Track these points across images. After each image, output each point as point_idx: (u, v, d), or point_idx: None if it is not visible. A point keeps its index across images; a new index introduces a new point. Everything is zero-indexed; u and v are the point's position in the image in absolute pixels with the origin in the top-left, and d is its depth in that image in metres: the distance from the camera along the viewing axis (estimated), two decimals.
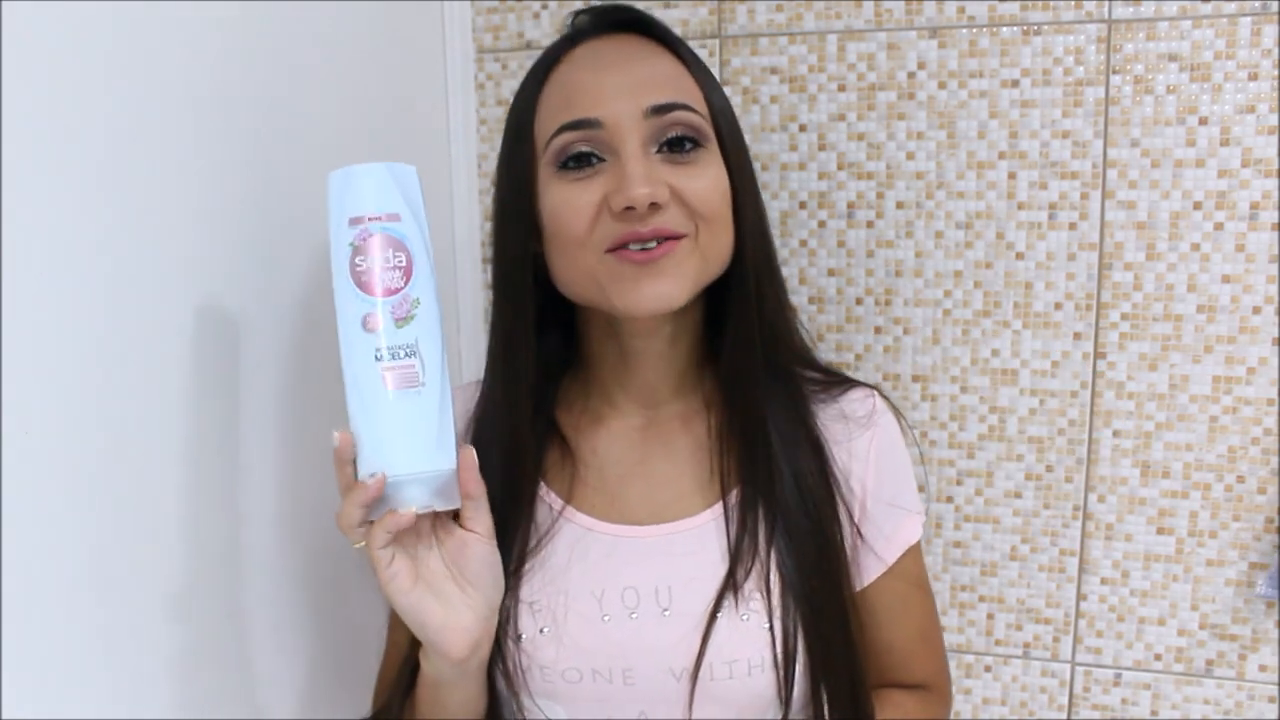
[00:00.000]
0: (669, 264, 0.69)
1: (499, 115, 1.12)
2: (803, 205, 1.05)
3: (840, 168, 1.04)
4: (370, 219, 0.60)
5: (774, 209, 1.06)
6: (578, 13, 0.77)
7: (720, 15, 1.04)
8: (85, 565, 0.64)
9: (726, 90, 1.04)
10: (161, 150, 0.69)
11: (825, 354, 1.07)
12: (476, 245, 1.14)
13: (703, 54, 1.04)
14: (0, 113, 0.56)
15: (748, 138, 1.05)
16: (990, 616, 1.08)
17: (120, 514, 0.67)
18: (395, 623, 0.85)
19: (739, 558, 0.72)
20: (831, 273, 1.06)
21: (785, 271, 1.06)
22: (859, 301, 1.06)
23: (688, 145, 0.70)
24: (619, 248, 0.69)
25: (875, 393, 0.80)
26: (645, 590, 0.73)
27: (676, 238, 0.69)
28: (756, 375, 0.74)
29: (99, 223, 0.64)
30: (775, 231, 1.06)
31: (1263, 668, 1.02)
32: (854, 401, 0.79)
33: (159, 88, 0.69)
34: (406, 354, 0.61)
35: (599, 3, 0.78)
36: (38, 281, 0.59)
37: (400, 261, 0.61)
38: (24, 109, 0.58)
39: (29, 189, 0.58)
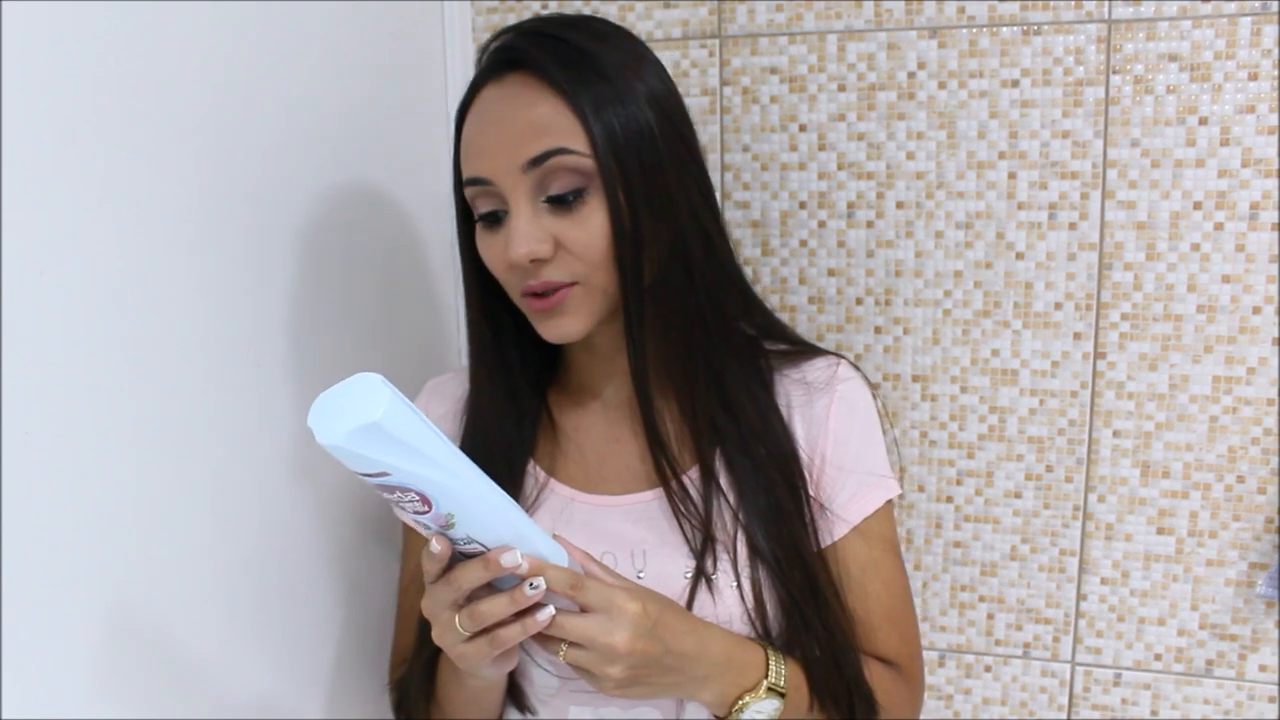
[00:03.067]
0: (567, 306, 0.74)
1: None
2: (803, 205, 1.05)
3: (840, 168, 1.04)
4: (362, 475, 0.57)
5: (774, 209, 1.06)
6: (488, 41, 0.77)
7: (720, 15, 1.04)
8: (85, 565, 0.64)
9: (726, 90, 1.05)
10: (161, 152, 0.69)
11: None
12: None
13: (702, 54, 1.04)
14: (0, 113, 0.56)
15: (747, 138, 1.06)
16: (990, 616, 1.08)
17: (120, 514, 0.67)
18: (405, 597, 0.89)
19: (705, 527, 0.76)
20: (831, 273, 1.06)
21: (784, 271, 1.07)
22: (859, 301, 1.06)
23: (570, 197, 0.72)
24: (529, 293, 0.75)
25: (841, 361, 0.83)
26: (622, 555, 0.78)
27: (566, 286, 0.73)
28: (680, 370, 0.77)
29: (99, 222, 0.64)
30: (775, 231, 1.06)
31: (1263, 668, 1.02)
32: (816, 368, 0.82)
33: (158, 88, 0.69)
34: (465, 542, 0.63)
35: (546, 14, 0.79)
36: (38, 281, 0.60)
37: (412, 497, 0.59)
38: (24, 109, 0.58)
39: (29, 189, 0.58)
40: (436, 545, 0.62)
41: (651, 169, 0.73)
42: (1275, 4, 0.91)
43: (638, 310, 0.74)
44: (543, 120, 0.71)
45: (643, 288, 0.74)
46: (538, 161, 0.71)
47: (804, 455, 0.80)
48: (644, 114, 0.73)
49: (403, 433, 0.55)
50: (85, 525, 0.64)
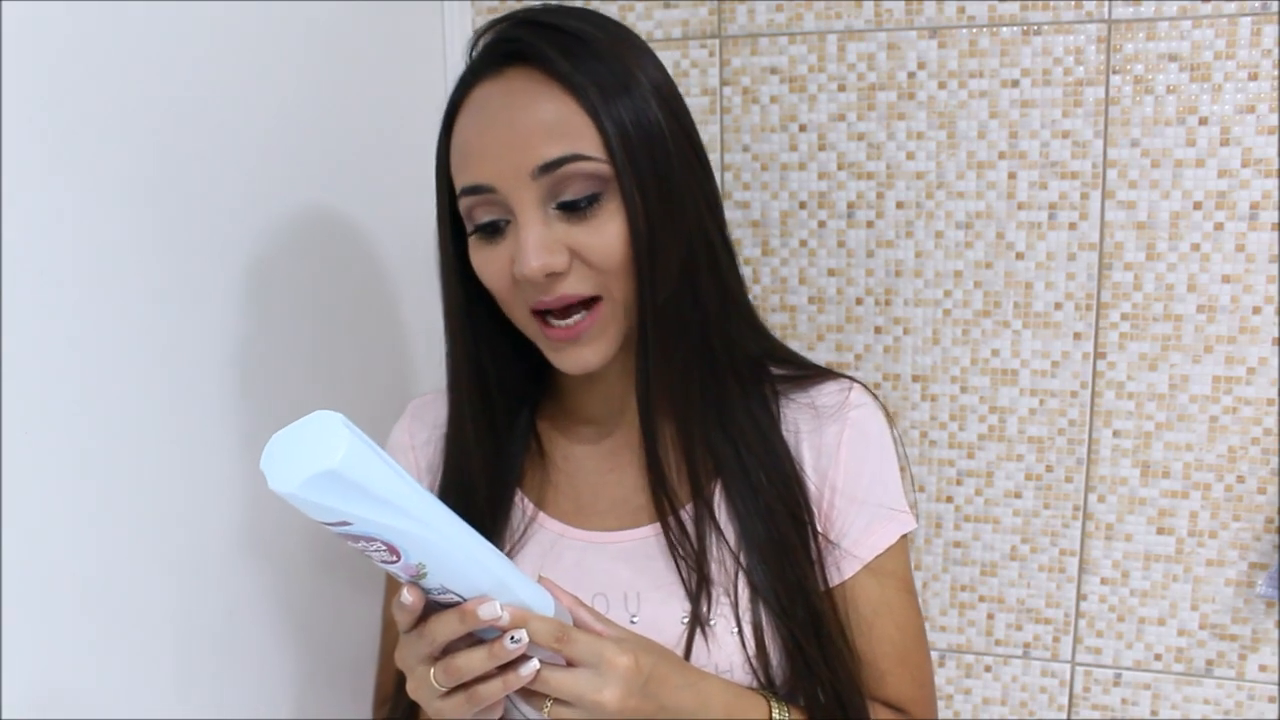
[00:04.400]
0: (588, 335, 0.68)
1: None
2: (803, 205, 1.05)
3: (840, 168, 1.04)
4: (323, 523, 0.53)
5: (774, 209, 1.06)
6: (478, 33, 0.71)
7: (720, 15, 1.04)
8: (85, 565, 0.64)
9: (726, 91, 1.05)
10: (161, 153, 0.69)
11: (825, 354, 1.07)
12: None
13: (702, 54, 1.04)
14: (0, 113, 0.56)
15: (747, 138, 1.06)
16: (990, 616, 1.08)
17: (120, 514, 0.67)
18: (388, 629, 0.85)
19: (699, 568, 0.71)
20: (831, 273, 1.06)
21: (784, 271, 1.07)
22: (859, 301, 1.06)
23: (583, 203, 0.66)
24: (540, 314, 0.68)
25: (853, 385, 0.77)
26: (614, 597, 0.73)
27: (586, 301, 0.68)
28: (681, 393, 0.72)
29: (98, 224, 0.64)
30: (775, 231, 1.06)
31: (1263, 668, 1.02)
32: (826, 394, 0.76)
33: (158, 88, 0.69)
34: (440, 592, 0.58)
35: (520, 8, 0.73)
36: (37, 282, 0.60)
37: (378, 548, 0.54)
38: (24, 109, 0.58)
39: (29, 190, 0.58)
40: (407, 596, 0.57)
41: (663, 170, 0.67)
42: (1275, 4, 0.91)
43: (653, 327, 0.68)
44: (552, 120, 0.65)
45: (657, 303, 0.68)
46: (550, 168, 0.64)
47: (812, 486, 0.74)
48: (651, 108, 0.67)
49: (364, 479, 0.51)
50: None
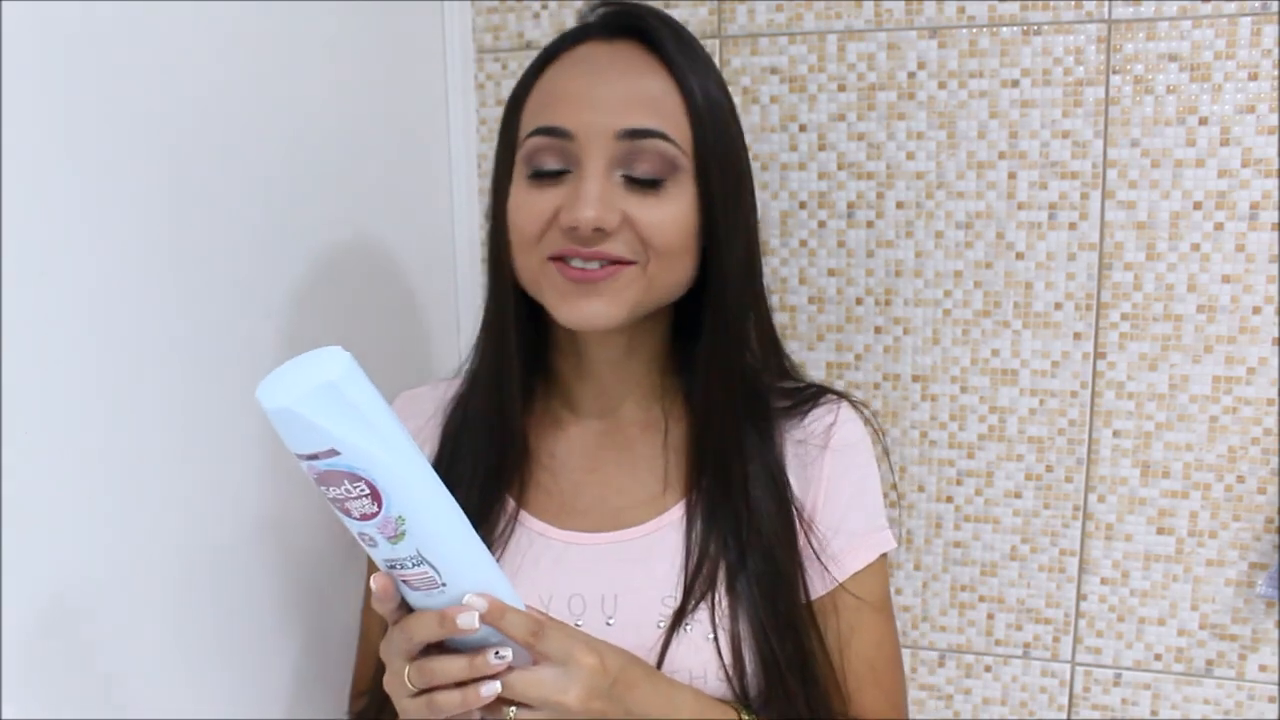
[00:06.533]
0: (608, 287, 0.68)
1: (499, 115, 1.12)
2: (803, 205, 1.05)
3: (840, 168, 1.04)
4: (307, 457, 0.52)
5: (774, 209, 1.06)
6: (594, 5, 0.74)
7: (720, 15, 1.04)
8: (84, 565, 0.64)
9: None
10: (161, 152, 0.69)
11: (825, 354, 1.07)
12: (476, 245, 1.14)
13: None
14: (0, 113, 0.56)
15: (747, 138, 1.05)
16: (990, 616, 1.08)
17: (118, 514, 0.67)
18: (368, 621, 0.85)
19: (692, 572, 0.71)
20: (831, 273, 1.06)
21: (784, 271, 1.07)
22: (859, 301, 1.06)
23: (649, 181, 0.68)
24: (560, 259, 0.68)
25: (841, 404, 0.78)
26: (591, 598, 0.72)
27: (621, 263, 0.68)
28: (732, 400, 0.73)
29: (99, 224, 0.64)
30: (775, 231, 1.06)
31: (1263, 668, 1.02)
32: (816, 420, 0.77)
33: (159, 89, 0.69)
34: (414, 564, 0.56)
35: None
36: (38, 281, 0.60)
37: (361, 490, 0.53)
38: (24, 110, 0.58)
39: (30, 190, 0.58)
40: (374, 584, 0.57)
41: (733, 174, 0.71)
42: (1275, 4, 0.91)
43: (721, 299, 0.71)
44: (654, 95, 0.68)
45: (726, 296, 0.71)
46: (635, 135, 0.67)
47: (796, 507, 0.75)
48: (728, 116, 0.72)
49: (360, 401, 0.51)
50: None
